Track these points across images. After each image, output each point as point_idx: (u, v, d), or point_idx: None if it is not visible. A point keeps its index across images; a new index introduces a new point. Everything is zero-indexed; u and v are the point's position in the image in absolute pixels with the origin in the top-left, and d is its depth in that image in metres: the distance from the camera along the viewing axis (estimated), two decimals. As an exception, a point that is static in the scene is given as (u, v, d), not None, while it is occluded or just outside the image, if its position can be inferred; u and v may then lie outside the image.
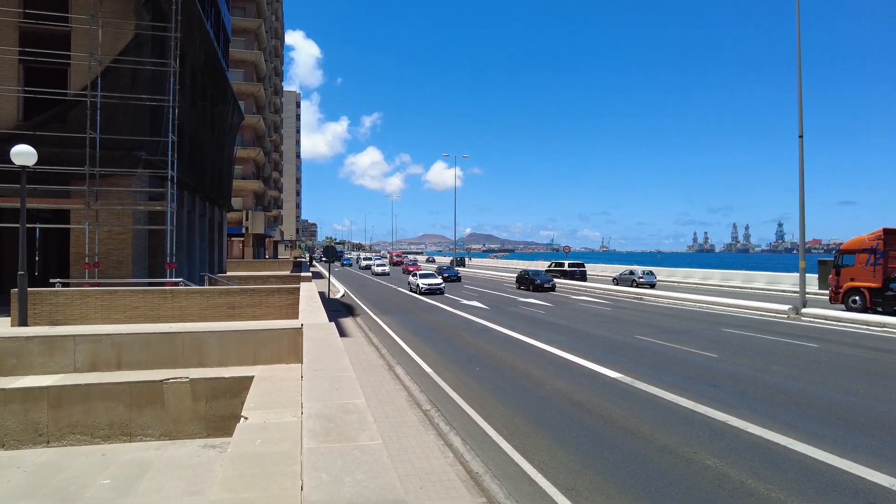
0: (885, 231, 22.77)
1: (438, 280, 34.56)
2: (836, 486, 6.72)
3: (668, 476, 7.08)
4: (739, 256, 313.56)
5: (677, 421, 9.23)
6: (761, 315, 23.04)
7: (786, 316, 22.10)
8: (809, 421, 9.18)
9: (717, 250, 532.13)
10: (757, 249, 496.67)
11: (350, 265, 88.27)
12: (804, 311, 21.91)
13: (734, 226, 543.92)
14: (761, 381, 11.79)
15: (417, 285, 34.17)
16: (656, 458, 7.68)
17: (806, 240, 23.75)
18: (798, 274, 23.93)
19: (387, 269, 57.53)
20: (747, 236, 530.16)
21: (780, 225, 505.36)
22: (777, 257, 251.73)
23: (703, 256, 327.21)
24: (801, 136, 22.74)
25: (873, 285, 22.64)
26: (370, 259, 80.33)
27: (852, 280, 23.79)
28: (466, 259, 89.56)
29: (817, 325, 19.98)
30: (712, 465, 7.39)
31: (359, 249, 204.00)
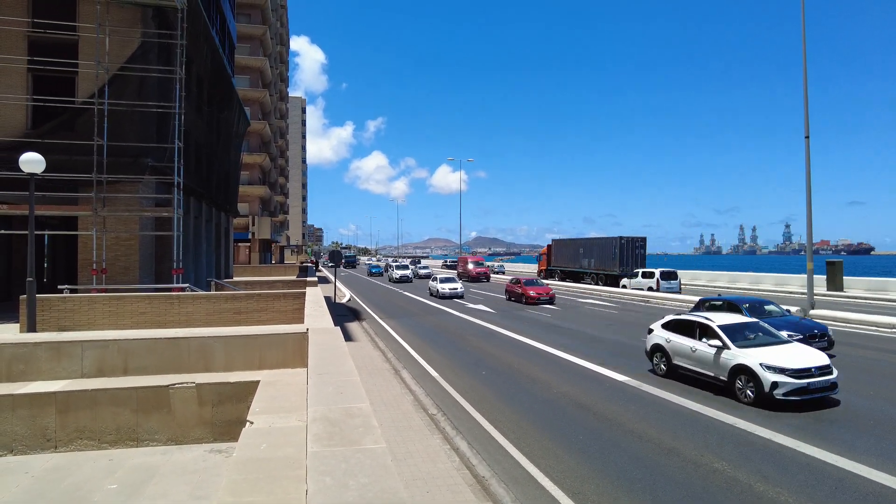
0: (548, 246, 50.86)
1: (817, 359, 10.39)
2: (845, 489, 6.66)
3: (675, 480, 7.03)
4: (746, 258, 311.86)
5: (684, 424, 9.18)
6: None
7: (794, 318, 21.90)
8: (818, 423, 9.09)
9: (723, 252, 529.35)
10: (764, 251, 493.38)
11: (379, 273, 65.60)
12: (812, 312, 21.71)
13: (741, 227, 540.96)
14: (769, 384, 11.68)
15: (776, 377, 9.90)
16: (664, 461, 7.63)
17: (814, 241, 23.59)
18: (806, 275, 23.76)
19: (458, 287, 34.34)
20: (754, 238, 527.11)
21: (788, 226, 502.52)
22: (784, 259, 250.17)
23: (709, 258, 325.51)
24: (807, 137, 22.60)
25: (545, 268, 51.01)
26: (406, 268, 54.00)
27: (542, 266, 51.75)
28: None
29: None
30: (720, 468, 7.34)
31: (365, 254, 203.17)
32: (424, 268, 60.21)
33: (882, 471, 7.12)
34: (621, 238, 40.06)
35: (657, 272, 34.62)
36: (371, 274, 65.97)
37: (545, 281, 37.69)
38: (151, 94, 17.43)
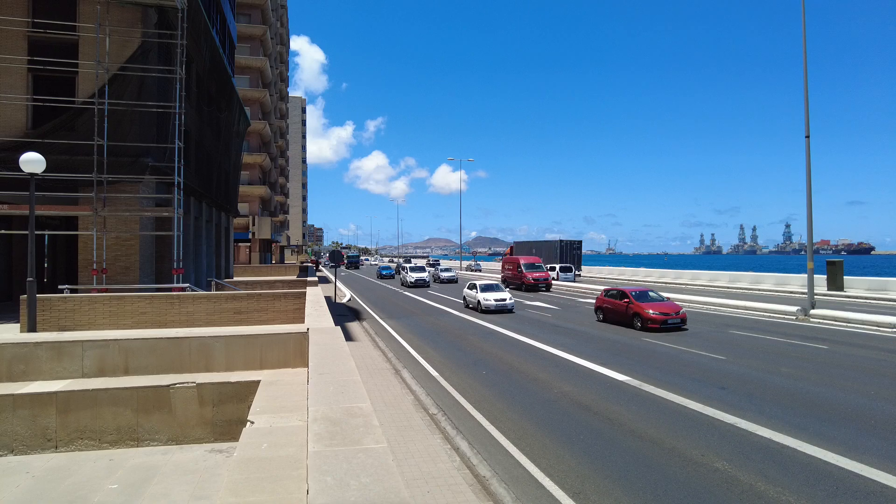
0: (511, 247, 60.85)
1: None
2: (846, 489, 6.65)
3: (676, 479, 7.03)
4: (747, 258, 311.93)
5: (685, 424, 9.17)
6: (769, 316, 22.87)
7: (794, 317, 21.92)
8: (819, 423, 9.09)
9: (724, 252, 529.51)
10: (764, 251, 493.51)
11: (391, 275, 57.89)
12: (813, 312, 21.72)
13: (741, 227, 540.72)
14: (770, 384, 11.70)
15: None
16: (664, 461, 7.63)
17: (814, 241, 23.59)
18: (806, 275, 23.77)
19: (507, 299, 25.75)
20: (754, 238, 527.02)
21: (788, 226, 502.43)
22: (785, 258, 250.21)
23: (710, 258, 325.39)
24: (807, 137, 22.60)
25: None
26: (422, 270, 45.72)
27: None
28: (473, 262, 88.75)
29: (826, 327, 19.80)
30: (721, 468, 7.33)
31: (365, 254, 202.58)
32: (447, 270, 50.43)
33: (883, 470, 7.12)
34: (561, 241, 52.28)
35: (558, 266, 46.59)
36: (381, 276, 57.88)
37: (665, 295, 24.23)
38: (151, 94, 17.42)
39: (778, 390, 11.15)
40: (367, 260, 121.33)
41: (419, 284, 42.72)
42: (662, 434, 8.68)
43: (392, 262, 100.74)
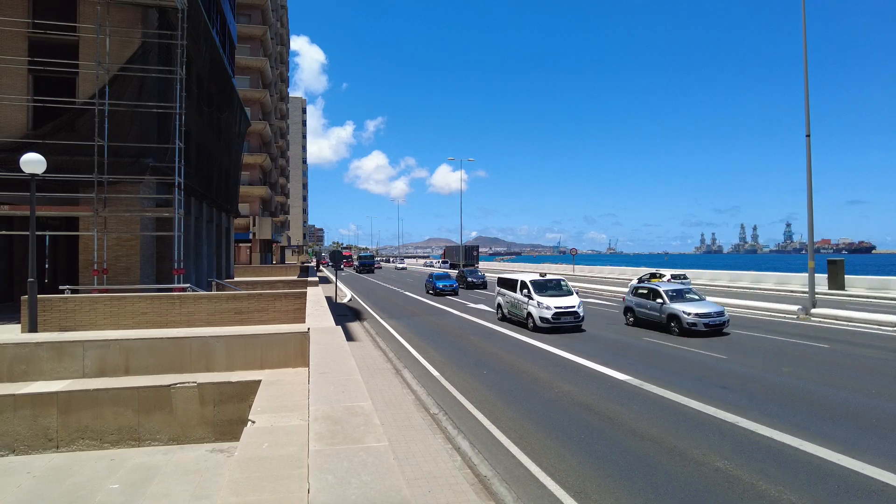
0: (444, 249, 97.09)
1: None
2: (848, 488, 6.64)
3: (677, 478, 7.02)
4: (747, 257, 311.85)
5: (686, 423, 9.17)
6: (770, 316, 22.85)
7: (795, 316, 21.91)
8: (820, 422, 9.08)
9: (724, 251, 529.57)
10: (765, 250, 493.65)
11: (453, 290, 35.63)
12: (814, 311, 21.71)
13: (742, 226, 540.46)
14: (771, 383, 11.69)
15: None
16: (665, 460, 7.62)
17: (815, 240, 23.59)
18: (807, 274, 23.76)
19: None
20: (755, 237, 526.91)
21: (789, 225, 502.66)
22: (786, 258, 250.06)
23: (710, 257, 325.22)
24: (808, 136, 22.60)
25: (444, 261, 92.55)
26: (563, 290, 20.10)
27: (443, 259, 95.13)
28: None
29: (827, 326, 19.78)
30: (722, 467, 7.33)
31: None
32: (686, 296, 18.92)
33: (885, 469, 7.11)
34: (466, 245, 77.29)
35: (439, 261, 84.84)
36: (438, 292, 35.36)
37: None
38: (152, 94, 17.43)
39: (779, 389, 11.14)
40: (399, 264, 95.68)
41: (566, 325, 19.29)
42: (663, 433, 8.68)
43: (435, 263, 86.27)
